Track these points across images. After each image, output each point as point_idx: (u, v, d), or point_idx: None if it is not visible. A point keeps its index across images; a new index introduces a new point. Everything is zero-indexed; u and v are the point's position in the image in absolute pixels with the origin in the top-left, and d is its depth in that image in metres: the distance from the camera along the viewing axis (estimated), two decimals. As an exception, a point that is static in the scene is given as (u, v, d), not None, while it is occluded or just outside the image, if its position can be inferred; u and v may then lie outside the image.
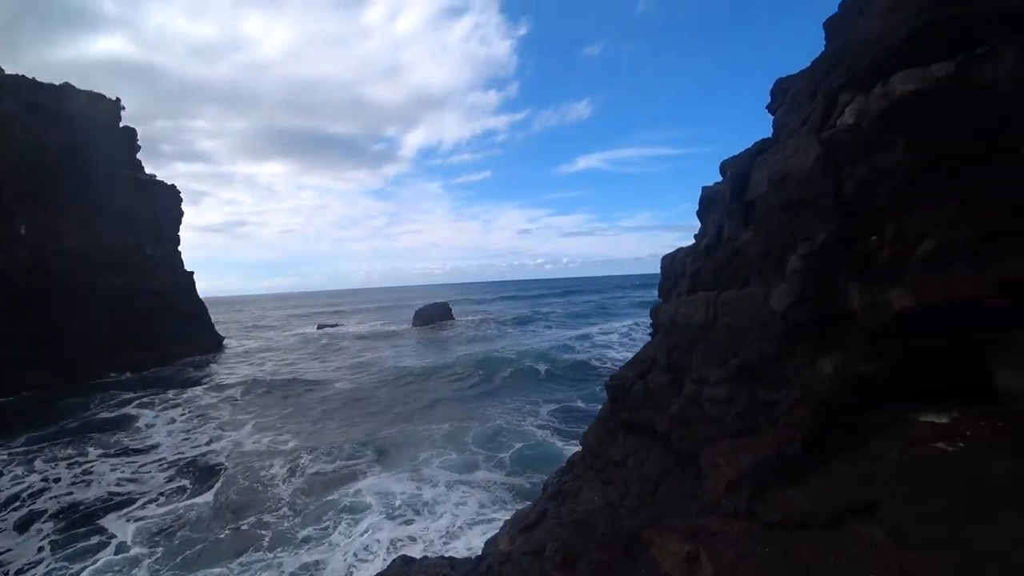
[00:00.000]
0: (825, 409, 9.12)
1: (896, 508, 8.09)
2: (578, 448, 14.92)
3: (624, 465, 11.47)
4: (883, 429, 9.68)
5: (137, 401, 38.30)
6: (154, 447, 27.83)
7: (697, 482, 10.23)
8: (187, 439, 29.19)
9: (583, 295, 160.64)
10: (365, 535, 17.15)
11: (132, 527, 18.73)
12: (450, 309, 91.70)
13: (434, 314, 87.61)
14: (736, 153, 12.00)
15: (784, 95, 11.05)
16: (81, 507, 20.53)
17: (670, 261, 13.18)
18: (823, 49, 11.54)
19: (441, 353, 58.04)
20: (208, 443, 28.25)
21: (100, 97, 58.19)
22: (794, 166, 8.96)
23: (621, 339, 59.77)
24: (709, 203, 12.34)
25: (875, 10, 9.56)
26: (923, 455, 8.68)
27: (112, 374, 49.46)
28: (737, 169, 11.10)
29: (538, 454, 23.83)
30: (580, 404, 32.24)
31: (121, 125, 61.40)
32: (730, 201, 11.11)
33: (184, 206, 67.92)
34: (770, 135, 11.45)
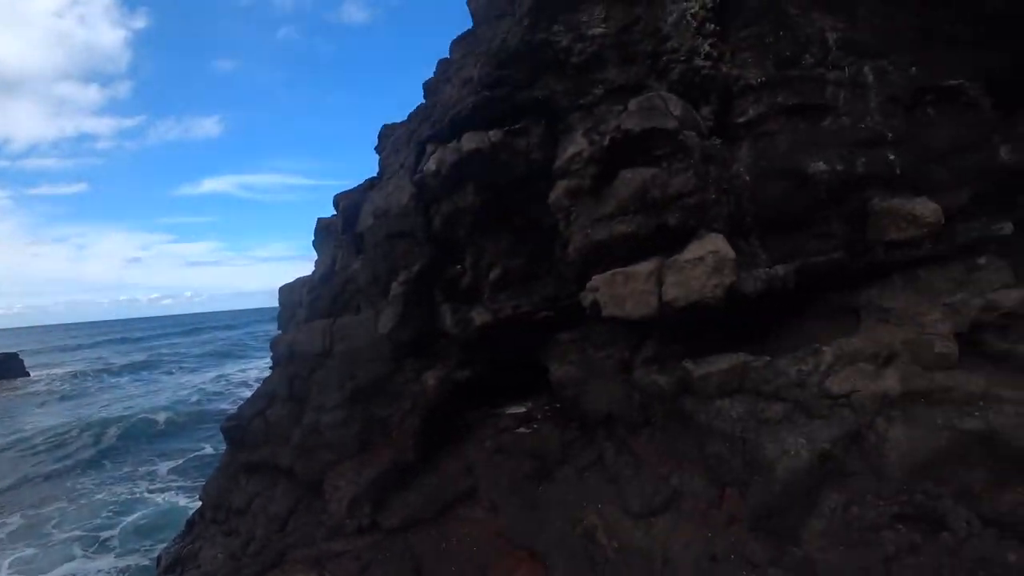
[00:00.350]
0: (432, 416, 10.07)
1: (491, 486, 9.48)
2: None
3: (248, 511, 10.47)
4: (480, 424, 11.26)
5: None
6: None
7: (324, 508, 10.06)
8: None
9: (215, 332, 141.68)
10: None
11: None
12: (22, 362, 68.11)
13: (-7, 372, 64.16)
14: (350, 188, 12.44)
15: (388, 139, 12.03)
16: None
17: (288, 291, 12.79)
18: (421, 103, 12.96)
19: (5, 425, 42.80)
20: None
21: None
22: (394, 203, 9.73)
23: (261, 375, 54.87)
24: (325, 233, 12.47)
25: (455, 81, 11.22)
26: (509, 440, 10.40)
27: None
28: (349, 202, 11.52)
29: (158, 521, 19.69)
30: (210, 451, 28.18)
31: None
32: (342, 232, 11.45)
33: None
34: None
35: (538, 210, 8.68)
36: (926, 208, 7.52)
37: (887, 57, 8.72)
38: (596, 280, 7.67)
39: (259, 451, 10.98)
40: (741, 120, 8.57)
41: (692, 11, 8.70)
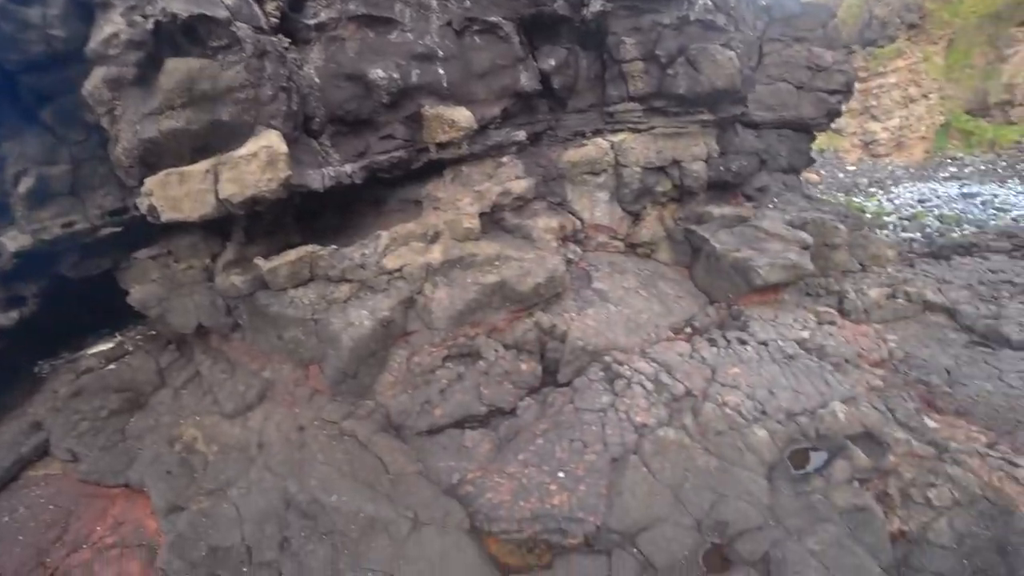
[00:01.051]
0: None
1: (66, 436, 7.97)
2: None
3: None
4: (54, 373, 9.29)
5: None
6: None
7: None
8: None
9: None
10: None
11: None
12: None
13: None
14: None
15: None
16: None
17: None
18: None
19: None
20: None
21: None
22: None
23: None
24: None
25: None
26: (91, 382, 8.82)
27: None
28: None
29: None
30: None
31: None
32: None
33: None
34: None
35: (75, 103, 7.14)
36: (462, 115, 8.83)
37: (445, -13, 9.70)
38: (149, 183, 6.79)
39: None
40: (312, 22, 8.40)
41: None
